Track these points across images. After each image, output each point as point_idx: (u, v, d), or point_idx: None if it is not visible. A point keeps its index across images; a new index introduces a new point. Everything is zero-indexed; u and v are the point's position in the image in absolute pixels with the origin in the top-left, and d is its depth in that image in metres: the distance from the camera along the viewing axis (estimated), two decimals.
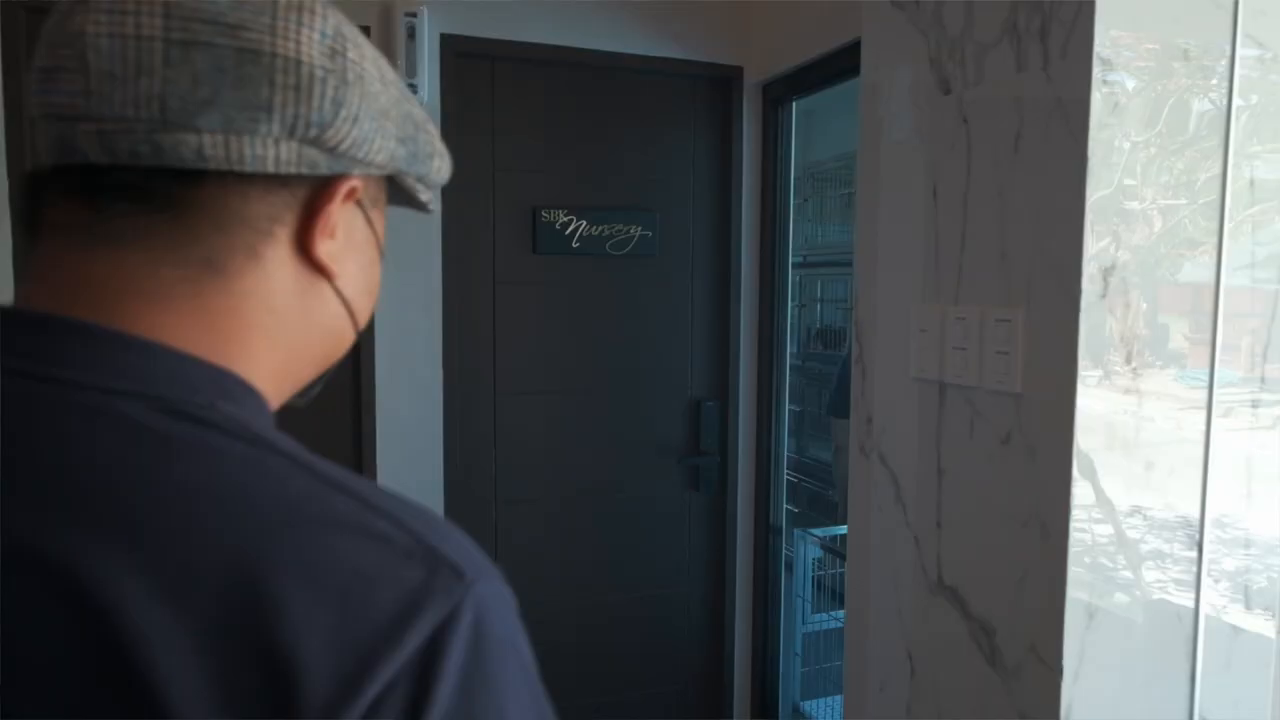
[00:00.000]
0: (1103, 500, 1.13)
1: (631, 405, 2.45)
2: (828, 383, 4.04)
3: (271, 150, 0.43)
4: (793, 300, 2.61)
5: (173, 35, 0.41)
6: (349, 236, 0.49)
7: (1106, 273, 1.10)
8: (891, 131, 1.47)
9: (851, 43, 2.05)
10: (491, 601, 0.40)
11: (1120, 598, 1.16)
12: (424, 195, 0.55)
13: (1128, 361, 1.13)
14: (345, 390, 2.20)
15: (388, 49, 2.09)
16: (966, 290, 1.30)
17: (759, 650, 2.57)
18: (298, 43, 0.43)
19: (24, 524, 0.36)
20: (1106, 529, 1.14)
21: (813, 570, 2.61)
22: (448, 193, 2.22)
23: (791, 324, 2.57)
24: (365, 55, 0.47)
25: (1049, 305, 1.15)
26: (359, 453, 2.20)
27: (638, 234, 2.40)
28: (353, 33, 0.47)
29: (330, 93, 0.44)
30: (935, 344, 1.36)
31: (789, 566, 2.60)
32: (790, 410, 2.59)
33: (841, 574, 2.84)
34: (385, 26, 2.09)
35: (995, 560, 1.25)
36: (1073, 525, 1.12)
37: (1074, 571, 1.12)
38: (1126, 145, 1.10)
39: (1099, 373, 1.11)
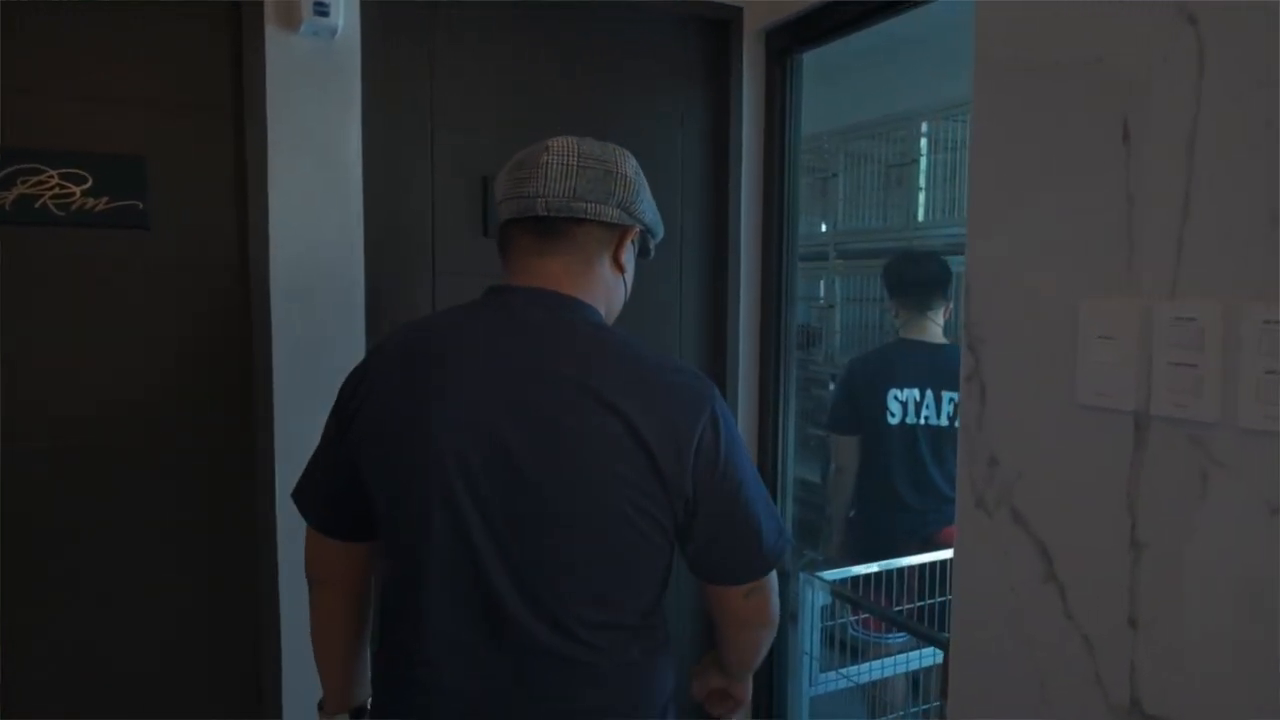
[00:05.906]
0: None
1: None
2: (807, 388, 3.62)
3: (610, 212, 1.09)
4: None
5: (580, 164, 1.07)
6: (628, 254, 1.15)
7: None
8: (1035, 47, 1.03)
9: None
10: (723, 400, 1.07)
11: None
12: (653, 244, 1.22)
13: None
14: (234, 409, 1.66)
15: None
16: (1192, 277, 0.87)
17: (761, 718, 2.12)
18: (624, 167, 1.11)
19: (574, 372, 1.01)
20: None
21: (821, 620, 2.17)
22: (376, 160, 1.71)
23: None
24: (642, 172, 1.14)
25: None
26: (252, 474, 1.67)
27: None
28: (637, 163, 1.14)
29: (635, 188, 1.11)
30: (1129, 357, 0.92)
31: (793, 617, 2.16)
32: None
33: (852, 622, 2.42)
34: None
35: (1253, 687, 0.82)
36: None
37: None
38: None
39: None
